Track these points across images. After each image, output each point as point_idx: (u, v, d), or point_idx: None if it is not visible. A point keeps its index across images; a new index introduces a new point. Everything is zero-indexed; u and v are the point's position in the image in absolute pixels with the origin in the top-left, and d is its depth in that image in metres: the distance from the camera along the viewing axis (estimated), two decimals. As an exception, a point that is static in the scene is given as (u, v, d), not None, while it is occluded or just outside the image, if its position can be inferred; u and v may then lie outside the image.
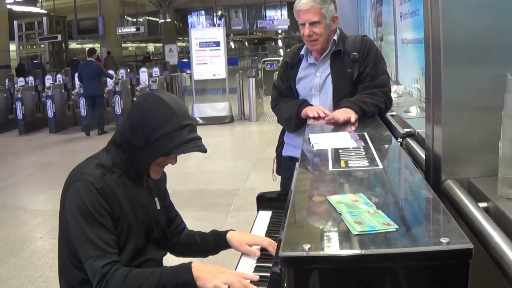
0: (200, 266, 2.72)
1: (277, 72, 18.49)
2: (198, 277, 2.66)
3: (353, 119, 3.69)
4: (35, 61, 24.79)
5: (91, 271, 2.60)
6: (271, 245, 3.02)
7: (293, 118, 4.13)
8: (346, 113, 3.74)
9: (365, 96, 3.93)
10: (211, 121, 16.57)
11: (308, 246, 1.58)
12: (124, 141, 2.81)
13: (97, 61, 17.94)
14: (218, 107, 17.13)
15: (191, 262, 2.74)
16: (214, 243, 3.28)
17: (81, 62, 20.68)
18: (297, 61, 4.31)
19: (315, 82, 4.19)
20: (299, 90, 4.29)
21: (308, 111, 3.95)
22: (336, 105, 3.99)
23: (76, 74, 17.36)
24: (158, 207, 3.08)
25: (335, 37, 4.15)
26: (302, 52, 4.27)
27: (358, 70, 4.05)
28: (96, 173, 2.73)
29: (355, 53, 4.07)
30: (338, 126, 3.66)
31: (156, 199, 3.07)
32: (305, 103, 4.12)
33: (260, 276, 2.67)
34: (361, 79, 4.06)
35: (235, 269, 2.89)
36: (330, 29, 4.09)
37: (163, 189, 3.20)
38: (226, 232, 3.21)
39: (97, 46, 35.21)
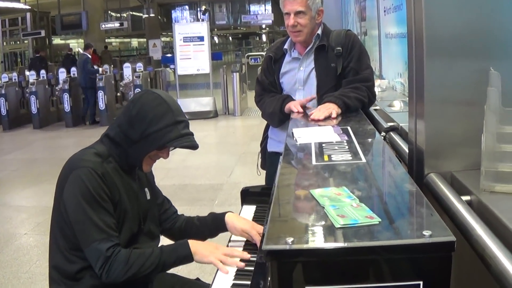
0: (196, 243, 2.91)
1: (261, 67, 18.64)
2: (195, 252, 2.85)
3: (334, 115, 3.69)
4: (37, 55, 23.91)
5: (95, 254, 2.69)
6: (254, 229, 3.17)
7: (277, 113, 4.14)
8: (327, 109, 3.74)
9: (348, 90, 3.93)
10: (195, 116, 16.53)
11: (291, 239, 1.59)
12: (120, 133, 2.92)
13: (92, 55, 18.43)
14: (202, 102, 17.11)
15: (186, 239, 2.93)
16: (213, 225, 3.36)
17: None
18: (280, 55, 4.30)
19: (299, 77, 4.18)
20: (283, 85, 4.28)
21: (292, 106, 3.96)
22: (320, 100, 3.99)
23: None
24: (148, 197, 3.17)
25: (319, 32, 4.15)
26: (286, 46, 4.26)
27: (342, 65, 4.05)
28: (96, 160, 2.83)
29: (339, 48, 4.06)
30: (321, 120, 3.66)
31: (146, 189, 3.17)
32: (289, 98, 4.12)
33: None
34: (345, 74, 4.06)
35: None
36: (315, 22, 4.08)
37: (151, 180, 3.30)
38: (224, 214, 3.31)
39: (80, 41, 35.06)
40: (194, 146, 2.91)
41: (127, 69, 18.86)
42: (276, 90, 4.30)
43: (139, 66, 19.17)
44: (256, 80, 4.54)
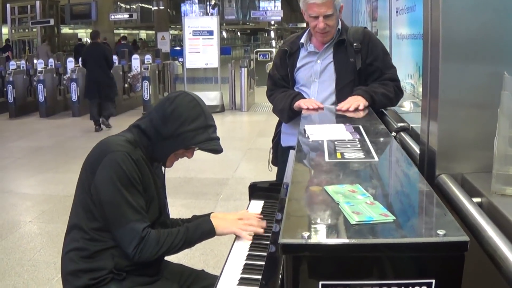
0: (216, 216, 3.24)
1: (269, 63, 18.60)
2: (217, 226, 3.12)
3: (361, 106, 3.80)
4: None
5: (130, 234, 2.82)
6: (253, 216, 3.36)
7: (286, 110, 4.17)
8: (356, 101, 3.85)
9: (377, 86, 4.03)
10: (202, 110, 16.50)
11: (307, 234, 1.61)
12: (151, 128, 3.04)
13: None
14: (210, 96, 17.08)
15: (209, 214, 3.30)
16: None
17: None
18: (295, 49, 4.32)
19: (315, 69, 4.21)
20: (299, 78, 4.30)
21: (302, 103, 3.99)
22: (339, 94, 4.07)
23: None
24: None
25: (339, 26, 4.18)
26: (302, 40, 4.28)
27: (361, 60, 4.10)
28: (129, 146, 2.94)
29: (357, 44, 4.10)
30: (336, 117, 3.73)
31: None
32: (299, 96, 4.15)
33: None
34: (369, 72, 4.12)
35: (230, 249, 3.08)
36: (338, 19, 4.14)
37: (162, 177, 3.40)
38: (209, 214, 3.39)
39: (89, 31, 35.01)
40: (219, 151, 3.08)
41: (135, 61, 18.86)
42: (288, 85, 4.33)
43: (148, 58, 19.17)
44: (268, 75, 4.57)
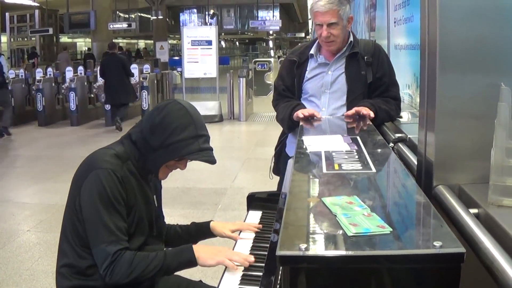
0: (200, 247, 2.94)
1: (268, 73, 18.63)
2: (199, 257, 2.86)
3: (365, 112, 3.86)
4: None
5: (101, 256, 2.73)
6: (251, 226, 3.35)
7: (286, 120, 4.20)
8: (366, 109, 3.89)
9: (381, 102, 4.07)
10: (200, 119, 16.53)
11: (305, 245, 1.62)
12: (141, 139, 2.96)
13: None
14: (208, 106, 17.11)
15: (191, 244, 2.97)
16: (196, 231, 3.47)
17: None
18: (304, 60, 4.33)
19: (326, 80, 4.23)
20: (307, 89, 4.31)
21: (299, 113, 4.01)
22: (350, 105, 4.09)
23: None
24: (156, 205, 3.21)
25: (351, 39, 4.22)
26: (312, 51, 4.30)
27: (372, 74, 4.14)
28: (116, 162, 2.87)
29: (368, 57, 4.15)
30: (333, 128, 3.78)
31: (154, 196, 3.21)
32: (299, 106, 4.16)
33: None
34: (376, 86, 4.17)
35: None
36: (346, 30, 4.15)
37: (159, 188, 3.33)
38: (208, 221, 3.42)
39: (88, 40, 35.14)
40: (211, 162, 2.96)
41: (134, 71, 18.89)
42: (292, 96, 4.35)
43: (146, 67, 19.21)
44: (273, 85, 4.60)
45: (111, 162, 2.85)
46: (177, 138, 2.87)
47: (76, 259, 2.89)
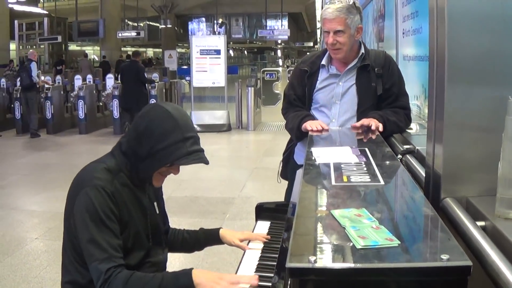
0: (201, 273, 2.74)
1: (276, 82, 18.63)
2: (198, 284, 2.68)
3: (373, 127, 3.86)
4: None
5: (95, 274, 2.66)
6: (260, 236, 3.33)
7: (294, 130, 4.22)
8: (370, 120, 3.91)
9: (390, 113, 4.09)
10: (208, 128, 16.57)
11: (314, 258, 1.64)
12: (129, 149, 2.89)
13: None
14: (216, 115, 17.15)
15: (192, 268, 2.77)
16: (204, 238, 3.44)
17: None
18: (315, 69, 4.35)
19: (337, 91, 4.26)
20: (318, 99, 4.34)
21: (308, 125, 4.03)
22: (360, 117, 4.11)
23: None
24: (157, 212, 3.18)
25: (363, 50, 4.24)
26: (323, 62, 4.32)
27: (381, 85, 4.17)
28: (106, 178, 2.80)
29: (379, 68, 4.18)
30: (342, 139, 3.81)
31: (155, 203, 3.17)
32: (308, 117, 4.18)
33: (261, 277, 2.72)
34: (385, 97, 4.19)
35: (238, 266, 3.04)
36: (354, 39, 4.16)
37: (160, 193, 3.30)
38: (218, 228, 3.39)
39: (96, 49, 35.23)
40: (203, 162, 2.87)
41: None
42: (303, 105, 4.38)
43: (155, 76, 19.25)
44: (283, 93, 4.64)
45: (101, 178, 2.79)
46: (163, 144, 2.78)
47: (77, 275, 2.87)
